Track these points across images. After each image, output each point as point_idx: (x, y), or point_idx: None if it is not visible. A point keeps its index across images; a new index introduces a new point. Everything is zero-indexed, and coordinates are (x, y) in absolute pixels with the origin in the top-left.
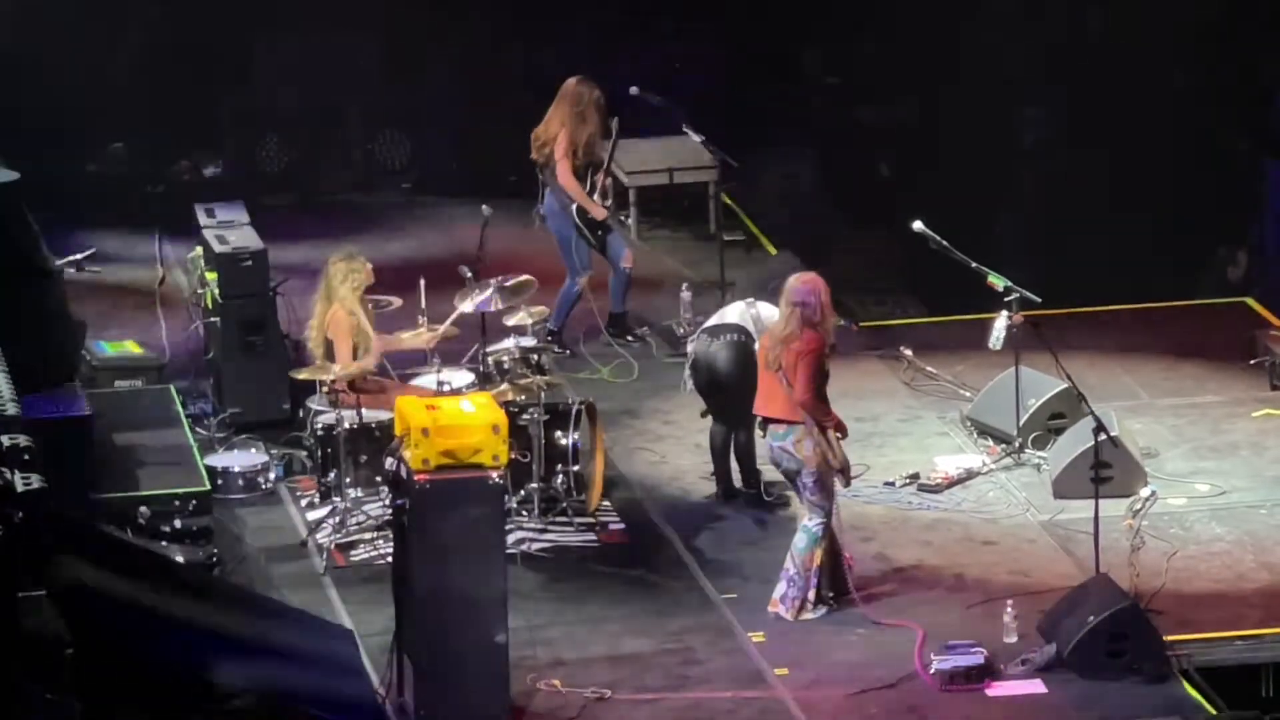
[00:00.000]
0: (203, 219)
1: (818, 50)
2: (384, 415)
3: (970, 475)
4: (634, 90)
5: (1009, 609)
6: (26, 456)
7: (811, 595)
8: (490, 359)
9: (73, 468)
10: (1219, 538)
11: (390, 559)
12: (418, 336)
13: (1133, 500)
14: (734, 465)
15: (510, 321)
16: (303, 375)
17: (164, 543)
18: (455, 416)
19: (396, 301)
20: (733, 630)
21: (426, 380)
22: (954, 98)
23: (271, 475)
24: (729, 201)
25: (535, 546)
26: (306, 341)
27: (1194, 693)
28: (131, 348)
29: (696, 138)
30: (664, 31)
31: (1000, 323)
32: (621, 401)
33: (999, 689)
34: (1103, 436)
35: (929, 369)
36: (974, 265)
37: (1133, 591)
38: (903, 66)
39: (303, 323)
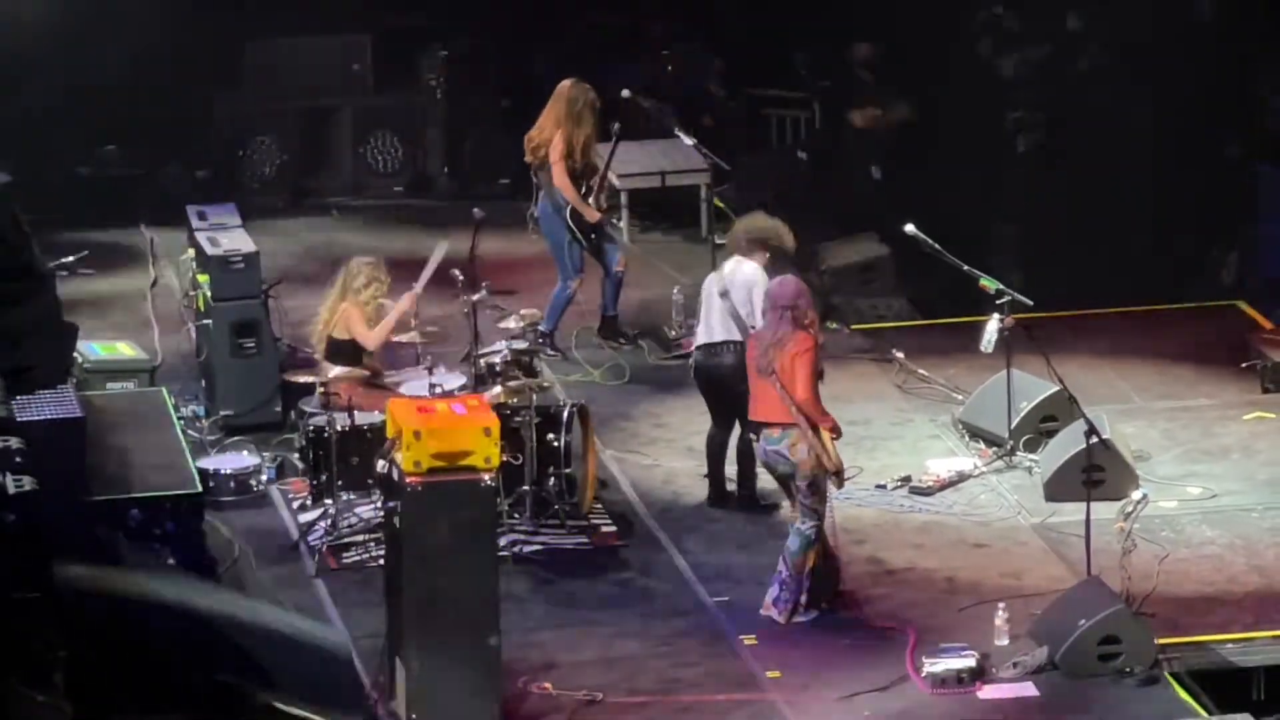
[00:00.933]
0: (194, 221)
1: (809, 53)
2: (376, 418)
3: (962, 478)
4: (626, 93)
5: (1000, 612)
6: (18, 458)
7: (804, 598)
8: (482, 361)
9: (64, 470)
10: (1210, 541)
11: (382, 561)
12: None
13: (1124, 503)
14: (730, 468)
15: (502, 324)
16: (294, 377)
17: (155, 545)
18: (447, 419)
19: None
20: (725, 633)
21: (418, 385)
22: (946, 101)
23: (263, 477)
24: (721, 205)
25: (527, 549)
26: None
27: (1185, 696)
28: (123, 350)
29: (688, 141)
30: (656, 35)
31: (992, 325)
32: (613, 404)
33: (990, 691)
34: (1094, 439)
35: (921, 372)
36: (966, 268)
37: (1124, 594)
38: (895, 70)
39: (294, 325)
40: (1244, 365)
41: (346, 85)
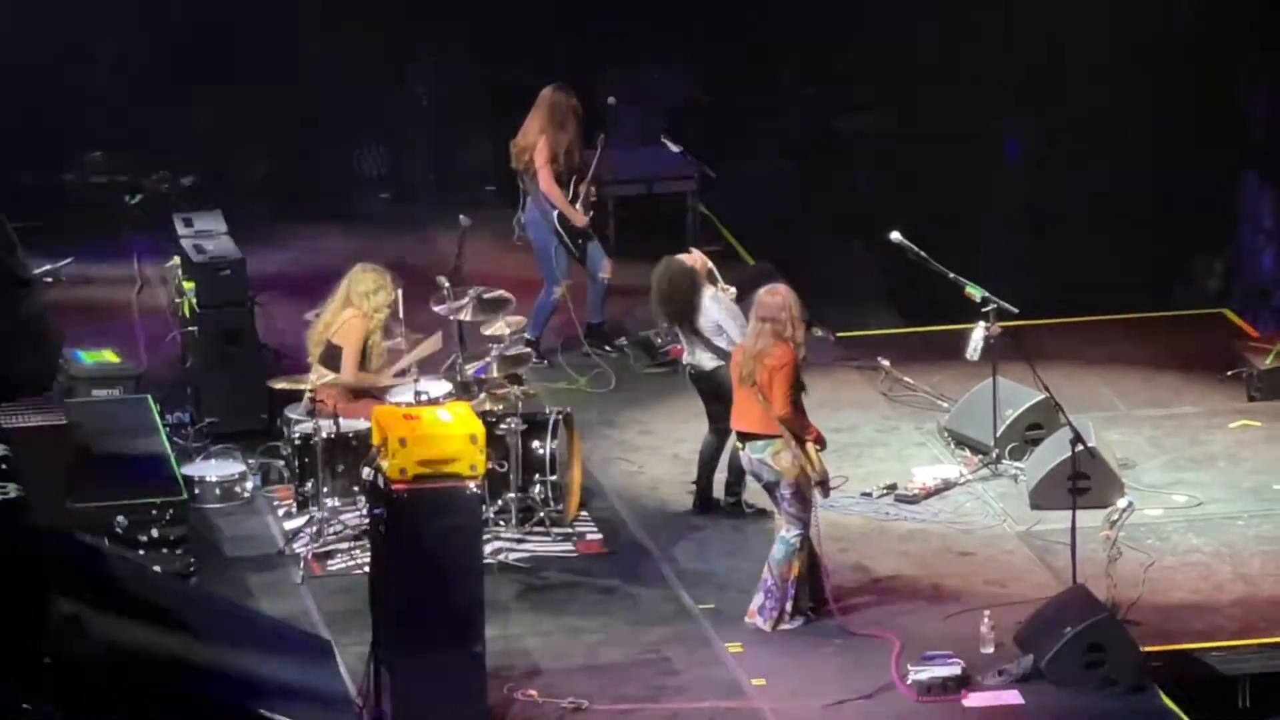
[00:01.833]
0: (180, 228)
1: (795, 61)
2: (362, 425)
3: (948, 486)
4: (611, 101)
5: (986, 620)
6: (3, 465)
7: (789, 606)
8: (468, 368)
9: (50, 477)
10: (1196, 549)
11: (367, 569)
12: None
13: (1110, 511)
14: (720, 474)
15: (487, 331)
16: (281, 385)
17: (141, 552)
18: (433, 426)
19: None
20: (710, 641)
21: (404, 393)
22: (933, 109)
23: (249, 485)
24: (707, 212)
25: (513, 556)
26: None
27: (1171, 704)
28: (109, 357)
29: (674, 148)
30: (641, 43)
31: (978, 333)
32: (599, 411)
33: (976, 700)
34: (1080, 447)
35: (906, 380)
36: (952, 276)
37: (1110, 602)
38: (881, 77)
39: (281, 332)
40: (1230, 373)
41: (334, 92)
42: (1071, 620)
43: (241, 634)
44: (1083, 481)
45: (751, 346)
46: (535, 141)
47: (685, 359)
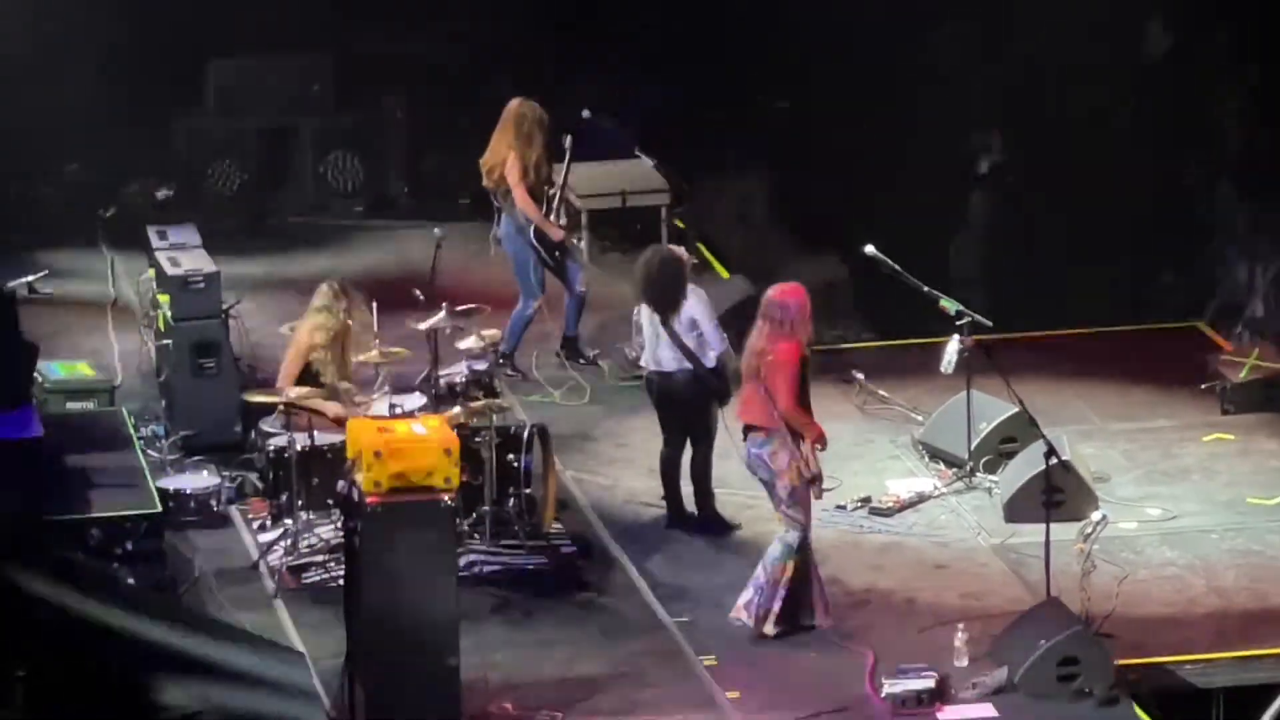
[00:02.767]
0: (155, 241)
1: (770, 74)
2: (336, 438)
3: (922, 499)
4: (586, 114)
5: (960, 633)
6: None
7: (776, 607)
8: (442, 381)
9: (23, 489)
10: (1170, 562)
11: (342, 582)
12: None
13: (1084, 524)
14: (686, 487)
15: (462, 345)
16: (254, 398)
17: (115, 564)
18: (407, 439)
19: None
20: (684, 653)
21: (377, 406)
22: (907, 123)
23: (223, 497)
24: (681, 225)
25: (487, 569)
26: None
27: (1145, 717)
28: (83, 370)
29: (649, 161)
30: (616, 56)
31: (952, 346)
32: (574, 424)
33: (950, 713)
34: (1054, 461)
35: (881, 393)
36: (926, 289)
37: (1083, 615)
38: (857, 92)
39: (255, 345)
40: (1203, 387)
41: (307, 105)
42: (1045, 633)
43: (215, 647)
44: (1057, 495)
45: (755, 343)
46: (504, 158)
47: (645, 359)
